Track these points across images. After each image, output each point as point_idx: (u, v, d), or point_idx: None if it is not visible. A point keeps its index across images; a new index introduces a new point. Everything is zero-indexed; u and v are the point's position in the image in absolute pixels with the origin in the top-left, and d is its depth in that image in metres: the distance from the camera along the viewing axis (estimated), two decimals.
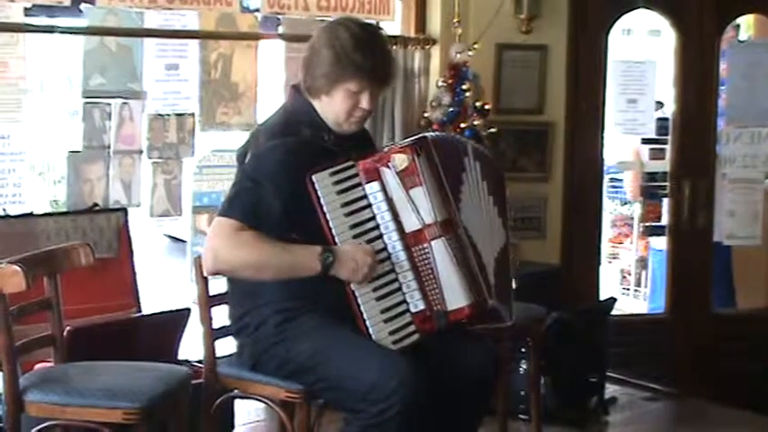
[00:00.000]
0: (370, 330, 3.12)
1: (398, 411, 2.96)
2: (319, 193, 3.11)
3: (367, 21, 3.38)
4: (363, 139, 3.40)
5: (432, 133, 3.50)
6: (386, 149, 3.25)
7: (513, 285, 3.39)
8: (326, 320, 3.16)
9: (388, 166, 3.16)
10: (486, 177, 3.34)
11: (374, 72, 3.20)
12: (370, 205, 3.16)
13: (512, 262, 3.40)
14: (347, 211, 3.14)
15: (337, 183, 3.14)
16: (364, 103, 3.23)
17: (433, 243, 3.15)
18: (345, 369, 3.06)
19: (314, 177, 3.10)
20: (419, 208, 3.16)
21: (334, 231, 3.13)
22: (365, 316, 3.13)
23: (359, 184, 3.16)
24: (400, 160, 3.16)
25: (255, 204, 3.13)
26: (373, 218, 3.17)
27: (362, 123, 3.32)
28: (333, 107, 3.24)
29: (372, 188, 3.16)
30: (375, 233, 3.16)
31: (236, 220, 3.12)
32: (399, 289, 3.16)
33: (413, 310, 3.16)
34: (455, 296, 3.15)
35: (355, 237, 3.14)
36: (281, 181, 3.13)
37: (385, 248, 3.16)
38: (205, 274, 3.35)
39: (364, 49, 3.18)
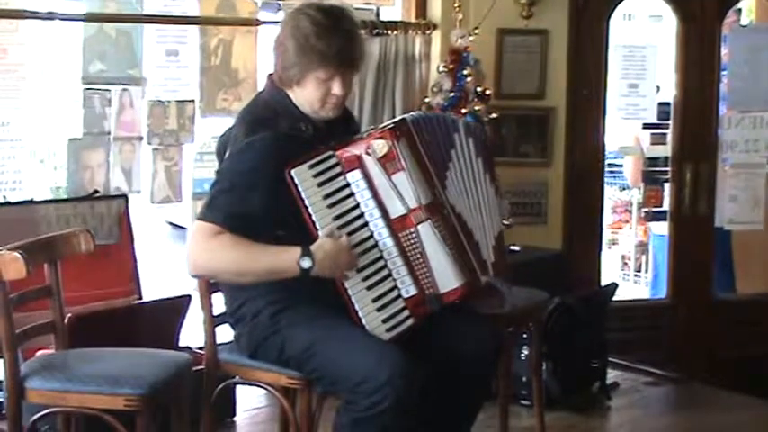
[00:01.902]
0: (363, 320, 3.11)
1: (389, 405, 2.95)
2: (299, 187, 3.07)
3: (334, 2, 3.30)
4: (343, 123, 3.34)
5: (412, 114, 3.43)
6: (365, 135, 3.21)
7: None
8: (321, 310, 3.14)
9: (368, 153, 3.13)
10: (479, 154, 3.31)
11: (340, 58, 3.14)
12: (352, 194, 3.13)
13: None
14: (330, 203, 3.11)
15: (317, 175, 3.10)
16: (336, 89, 3.18)
17: (419, 227, 3.13)
18: (338, 361, 3.05)
19: (293, 172, 3.07)
20: (403, 193, 3.13)
21: (317, 225, 3.09)
22: (357, 307, 3.11)
23: (340, 174, 3.13)
24: (379, 146, 3.13)
25: (235, 207, 3.09)
26: (357, 206, 3.14)
27: (340, 108, 3.26)
28: (306, 96, 3.20)
29: (354, 177, 3.13)
30: (360, 222, 3.14)
31: (215, 224, 3.08)
32: (389, 275, 3.14)
33: (404, 295, 3.14)
34: (446, 278, 3.14)
35: (340, 228, 3.11)
36: (260, 179, 3.09)
37: (371, 236, 3.14)
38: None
39: (327, 35, 3.12)
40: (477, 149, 3.31)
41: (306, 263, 3.05)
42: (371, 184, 3.13)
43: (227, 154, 3.22)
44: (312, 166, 3.10)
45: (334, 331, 3.11)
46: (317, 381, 3.18)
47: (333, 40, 3.13)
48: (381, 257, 3.14)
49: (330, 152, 3.14)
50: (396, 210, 3.14)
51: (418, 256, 3.14)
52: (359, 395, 2.99)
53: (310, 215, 3.09)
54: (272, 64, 3.28)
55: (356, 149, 3.14)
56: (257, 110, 3.28)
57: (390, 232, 3.14)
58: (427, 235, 3.14)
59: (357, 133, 3.34)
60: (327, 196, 3.11)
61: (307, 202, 3.09)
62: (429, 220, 3.14)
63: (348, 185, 3.13)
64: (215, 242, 3.08)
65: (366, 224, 3.14)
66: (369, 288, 3.13)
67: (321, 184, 3.11)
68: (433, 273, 3.14)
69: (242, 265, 3.10)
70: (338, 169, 3.13)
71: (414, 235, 3.14)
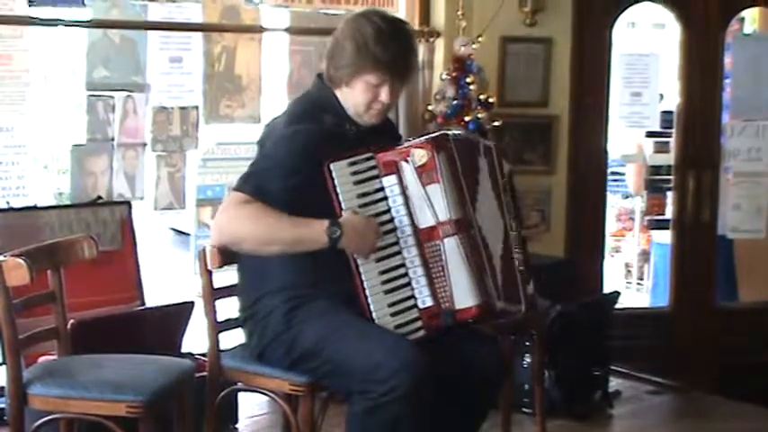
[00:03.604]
0: (376, 323, 3.12)
1: (405, 391, 2.96)
2: (336, 181, 3.12)
3: (397, 16, 3.39)
4: (387, 131, 3.39)
5: (453, 131, 3.50)
6: (406, 144, 3.25)
7: (520, 278, 3.37)
8: (334, 306, 3.16)
9: (407, 161, 3.17)
10: (491, 175, 3.34)
11: (394, 65, 3.20)
12: (385, 198, 3.17)
13: (517, 257, 3.38)
14: (362, 203, 3.15)
15: (355, 173, 3.15)
16: (383, 95, 3.23)
17: (445, 241, 3.14)
18: (350, 350, 3.06)
19: (332, 166, 3.12)
20: (435, 205, 3.15)
21: None
22: (372, 308, 3.12)
23: (376, 177, 3.17)
24: (419, 156, 3.16)
25: (269, 183, 3.14)
26: (388, 211, 3.17)
27: (383, 116, 3.32)
28: (353, 98, 3.25)
29: (389, 181, 3.17)
30: (389, 226, 3.17)
31: (247, 195, 3.15)
32: (409, 284, 3.15)
33: (420, 305, 3.15)
34: (464, 295, 3.14)
35: None
36: (297, 165, 3.14)
37: (397, 242, 3.16)
38: (213, 245, 3.32)
39: (385, 42, 3.18)
40: (490, 169, 3.34)
41: (335, 233, 3.08)
42: (405, 191, 3.17)
43: (269, 141, 3.27)
44: (351, 164, 3.15)
45: (347, 324, 3.12)
46: (327, 375, 3.16)
47: (390, 47, 3.19)
48: (403, 264, 3.16)
49: (370, 154, 3.18)
50: (425, 220, 3.16)
51: (440, 268, 3.15)
52: (372, 383, 2.99)
53: (342, 210, 3.13)
54: (325, 62, 3.32)
55: (396, 155, 3.19)
56: (304, 104, 3.35)
57: (416, 241, 3.16)
58: (452, 250, 3.15)
59: (398, 143, 3.38)
60: (361, 195, 3.16)
61: (341, 198, 3.13)
62: (456, 236, 3.15)
63: (383, 189, 3.18)
64: (245, 209, 3.13)
65: (394, 230, 3.17)
66: (387, 292, 3.14)
67: (357, 183, 3.16)
68: (451, 288, 3.14)
69: (269, 233, 3.13)
70: (375, 171, 3.18)
71: (438, 248, 3.15)
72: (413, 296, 3.15)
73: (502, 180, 3.38)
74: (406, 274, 3.16)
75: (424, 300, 3.15)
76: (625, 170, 7.53)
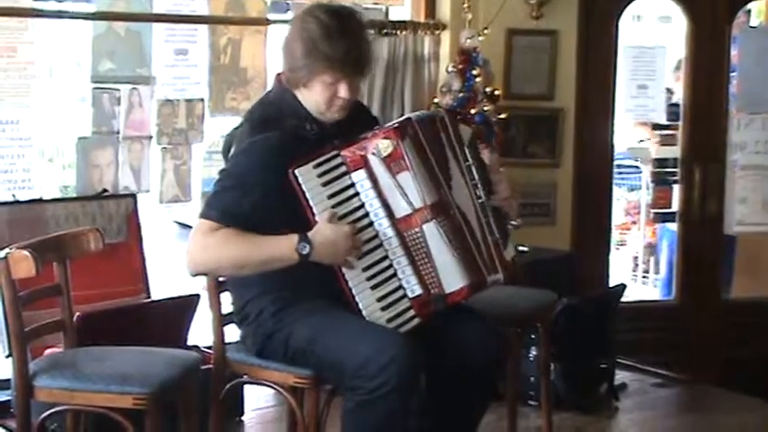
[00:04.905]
0: (368, 320, 3.11)
1: (393, 387, 2.94)
2: (304, 186, 3.07)
3: (345, 4, 3.31)
4: (353, 123, 3.28)
5: (416, 113, 3.42)
6: (371, 134, 3.19)
7: (493, 246, 3.29)
8: (323, 304, 3.15)
9: (373, 153, 3.12)
10: (453, 144, 3.27)
11: (346, 62, 3.13)
12: (357, 194, 3.13)
13: (485, 224, 3.29)
14: (334, 203, 3.11)
15: (322, 174, 3.10)
16: (342, 92, 3.17)
17: (424, 227, 3.11)
18: (341, 346, 3.05)
19: (297, 172, 3.06)
20: (408, 193, 3.11)
21: None
22: (360, 306, 3.11)
23: (345, 174, 3.12)
24: (384, 146, 3.11)
25: (235, 204, 3.10)
26: (362, 206, 3.13)
27: (346, 110, 3.23)
28: (312, 98, 3.19)
29: (359, 176, 3.12)
30: (365, 221, 3.13)
31: (214, 221, 3.10)
32: (395, 275, 3.13)
33: (410, 295, 3.13)
34: (452, 278, 3.13)
35: None
36: (262, 178, 3.09)
37: (377, 236, 3.13)
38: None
39: (334, 39, 3.10)
40: (448, 142, 3.26)
41: (304, 249, 3.05)
42: (376, 183, 3.12)
43: (231, 152, 3.23)
44: (317, 166, 3.10)
45: (336, 320, 3.11)
46: (323, 372, 3.16)
47: (339, 43, 3.11)
48: (386, 257, 3.13)
49: (335, 152, 3.13)
50: (401, 209, 3.13)
51: (423, 255, 3.12)
52: (362, 379, 2.98)
53: (314, 214, 3.09)
54: (281, 64, 3.28)
55: (361, 149, 3.13)
56: (263, 109, 3.28)
57: (395, 232, 3.13)
58: (432, 235, 3.12)
59: (375, 125, 3.34)
60: (332, 196, 3.11)
61: (311, 202, 3.08)
62: (434, 220, 3.12)
63: (353, 185, 3.13)
64: (213, 238, 3.09)
65: (371, 224, 3.13)
66: (373, 288, 3.12)
67: (325, 184, 3.11)
68: (438, 273, 3.12)
69: (240, 257, 3.10)
70: (343, 169, 3.13)
71: (419, 234, 3.12)
72: (401, 287, 3.13)
73: (460, 148, 3.29)
74: (390, 266, 3.13)
75: (413, 289, 3.12)
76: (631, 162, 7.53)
